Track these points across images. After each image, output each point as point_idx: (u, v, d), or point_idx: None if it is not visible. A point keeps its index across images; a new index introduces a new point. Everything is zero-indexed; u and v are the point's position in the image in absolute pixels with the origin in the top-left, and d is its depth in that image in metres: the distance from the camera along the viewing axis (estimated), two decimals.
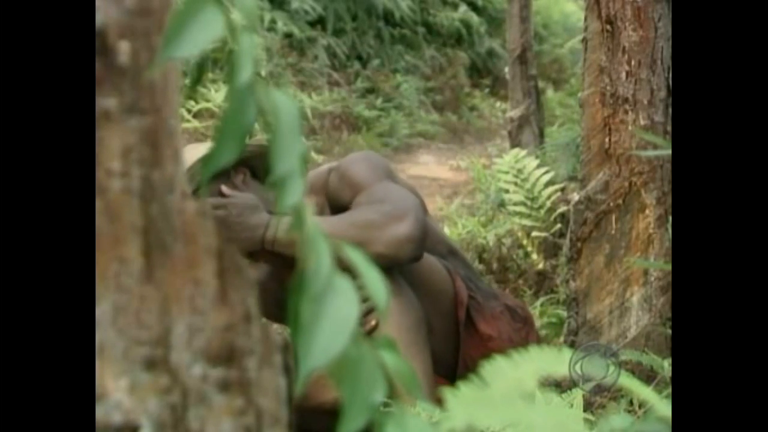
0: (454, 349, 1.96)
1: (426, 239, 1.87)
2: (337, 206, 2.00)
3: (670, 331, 1.94)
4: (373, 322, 1.78)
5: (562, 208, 3.25)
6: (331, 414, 0.60)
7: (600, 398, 1.83)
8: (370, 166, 2.00)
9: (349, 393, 0.57)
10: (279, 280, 2.02)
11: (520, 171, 3.43)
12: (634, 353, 1.84)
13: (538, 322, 2.64)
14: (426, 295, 1.88)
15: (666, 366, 1.75)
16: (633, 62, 2.01)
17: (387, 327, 1.77)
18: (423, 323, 1.84)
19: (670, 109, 2.00)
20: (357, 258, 0.60)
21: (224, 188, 1.95)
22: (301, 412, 0.85)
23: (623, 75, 2.01)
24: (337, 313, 0.56)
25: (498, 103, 7.86)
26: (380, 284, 0.59)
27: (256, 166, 2.11)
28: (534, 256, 3.25)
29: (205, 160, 0.57)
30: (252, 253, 1.96)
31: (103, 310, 0.59)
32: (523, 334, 2.06)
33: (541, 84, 5.84)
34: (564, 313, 2.34)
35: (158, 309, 0.60)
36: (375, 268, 0.60)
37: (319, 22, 6.97)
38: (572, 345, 2.02)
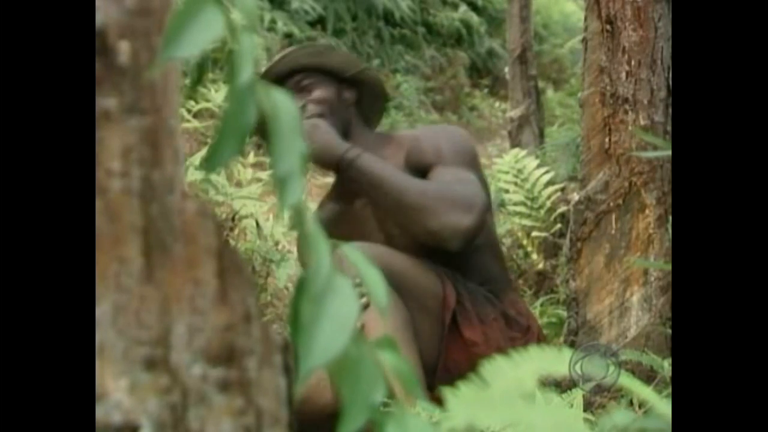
0: (438, 353, 1.95)
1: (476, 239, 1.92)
2: (413, 164, 2.03)
3: (670, 331, 1.94)
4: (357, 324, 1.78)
5: (562, 208, 3.25)
6: (333, 417, 0.60)
7: (600, 398, 1.83)
8: (461, 146, 2.05)
9: (349, 393, 0.57)
10: (339, 222, 2.08)
11: (520, 171, 3.43)
12: (634, 353, 1.84)
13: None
14: (414, 298, 1.88)
15: (666, 366, 1.75)
16: (633, 62, 2.01)
17: (373, 328, 1.76)
18: (409, 324, 1.84)
19: (670, 109, 2.00)
20: (356, 257, 0.60)
21: (317, 103, 2.03)
22: (303, 417, 0.85)
23: (623, 75, 2.01)
24: (337, 313, 0.56)
25: (498, 103, 7.85)
26: (380, 283, 0.59)
27: (364, 94, 2.18)
28: (534, 256, 3.25)
29: (205, 160, 0.57)
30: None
31: (103, 310, 0.59)
32: (521, 344, 2.04)
33: (541, 84, 5.84)
34: (564, 313, 2.34)
35: (158, 309, 0.60)
36: (374, 268, 0.60)
37: (319, 22, 6.96)
38: (572, 345, 2.01)
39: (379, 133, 2.22)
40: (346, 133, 2.08)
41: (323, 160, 1.96)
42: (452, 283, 1.99)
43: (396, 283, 1.85)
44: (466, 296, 2.01)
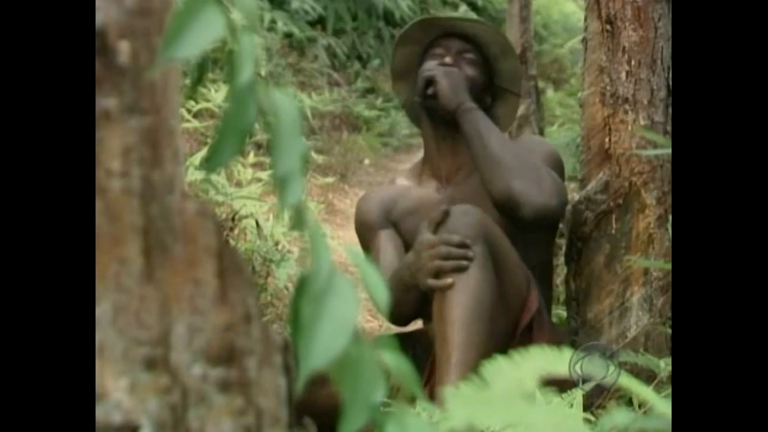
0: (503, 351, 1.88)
1: (536, 231, 1.97)
2: None
3: (670, 331, 1.94)
4: (449, 281, 1.75)
5: None
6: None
7: (599, 399, 1.83)
8: (557, 158, 2.09)
9: (349, 393, 0.57)
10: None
11: None
12: (633, 354, 1.84)
13: None
14: (502, 282, 1.83)
15: (663, 366, 1.75)
16: (633, 62, 2.00)
17: (461, 291, 1.74)
18: (493, 304, 1.79)
19: (670, 109, 2.00)
20: (357, 258, 0.60)
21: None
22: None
23: (623, 75, 2.01)
24: (337, 313, 0.56)
25: None
26: (381, 285, 0.59)
27: (495, 111, 2.16)
28: None
29: (206, 160, 0.57)
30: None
31: (103, 310, 0.59)
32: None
33: (541, 84, 5.83)
34: (564, 313, 2.33)
35: (158, 309, 0.60)
36: (375, 271, 0.60)
37: (319, 22, 6.96)
38: (572, 345, 2.01)
39: None
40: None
41: (446, 102, 1.98)
42: (536, 291, 1.96)
43: (495, 257, 1.82)
44: (543, 306, 1.98)
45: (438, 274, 1.76)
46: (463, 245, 1.76)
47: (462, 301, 1.74)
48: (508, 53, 2.15)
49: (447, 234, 1.77)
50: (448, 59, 2.05)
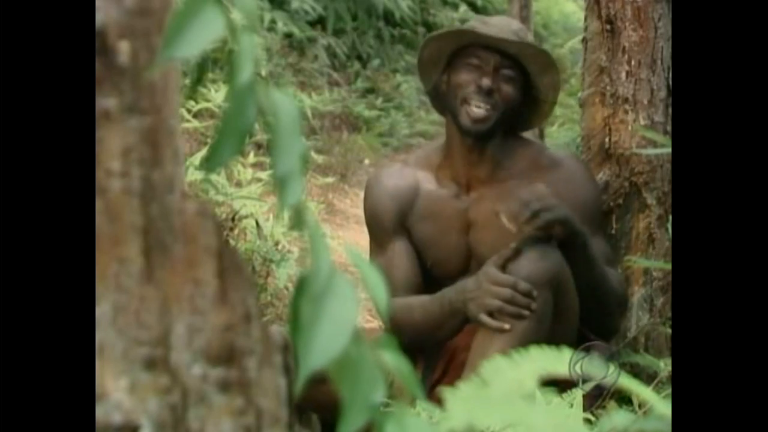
0: None
1: None
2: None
3: (670, 331, 1.94)
4: (506, 326, 1.71)
5: None
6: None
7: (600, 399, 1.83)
8: (598, 203, 2.00)
9: (349, 393, 0.57)
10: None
11: None
12: (633, 354, 1.84)
13: None
14: (555, 332, 1.78)
15: (663, 366, 1.75)
16: (633, 62, 2.01)
17: (508, 337, 1.71)
18: None
19: (670, 109, 2.00)
20: (357, 258, 0.60)
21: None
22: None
23: (623, 75, 2.01)
24: (337, 313, 0.56)
25: None
26: (381, 288, 0.59)
27: (525, 114, 2.02)
28: None
29: (206, 160, 0.57)
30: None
31: (103, 310, 0.59)
32: None
33: None
34: None
35: (158, 309, 0.60)
36: (378, 274, 0.60)
37: (319, 22, 6.96)
38: None
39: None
40: (493, 130, 1.94)
41: (565, 228, 1.81)
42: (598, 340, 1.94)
43: (558, 302, 1.77)
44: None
45: (493, 312, 1.73)
46: (529, 295, 1.72)
47: (506, 347, 1.67)
48: (551, 69, 1.99)
49: (517, 278, 1.72)
50: (485, 81, 1.90)
